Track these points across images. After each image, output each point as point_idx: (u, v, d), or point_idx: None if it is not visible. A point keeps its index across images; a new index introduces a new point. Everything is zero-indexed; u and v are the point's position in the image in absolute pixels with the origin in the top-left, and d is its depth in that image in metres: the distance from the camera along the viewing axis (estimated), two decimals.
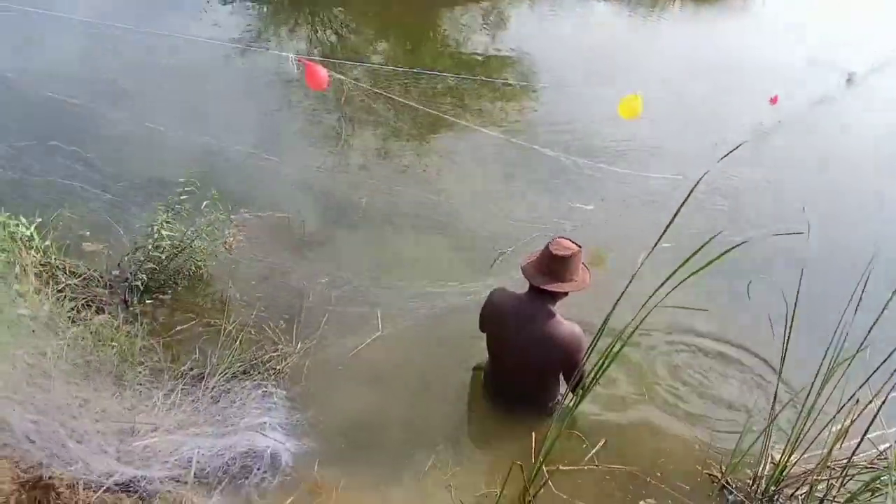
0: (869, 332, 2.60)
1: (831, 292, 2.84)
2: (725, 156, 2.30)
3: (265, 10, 7.98)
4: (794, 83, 6.65)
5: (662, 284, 2.22)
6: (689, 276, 2.19)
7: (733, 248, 2.26)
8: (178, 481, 2.70)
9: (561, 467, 2.90)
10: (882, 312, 2.56)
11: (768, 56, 7.50)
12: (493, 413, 3.28)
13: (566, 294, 3.06)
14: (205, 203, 3.74)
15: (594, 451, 2.98)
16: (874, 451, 2.87)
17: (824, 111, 6.51)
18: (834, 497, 2.83)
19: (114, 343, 3.18)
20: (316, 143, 5.45)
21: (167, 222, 3.60)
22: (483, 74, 6.69)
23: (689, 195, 2.21)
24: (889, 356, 2.58)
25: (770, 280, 2.71)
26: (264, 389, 3.17)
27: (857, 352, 2.64)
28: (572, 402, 2.77)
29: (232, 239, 3.92)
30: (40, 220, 3.57)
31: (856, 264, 2.74)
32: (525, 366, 3.10)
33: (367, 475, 2.94)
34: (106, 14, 6.85)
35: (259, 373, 3.29)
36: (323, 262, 4.13)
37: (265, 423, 3.01)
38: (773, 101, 5.60)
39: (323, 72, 4.19)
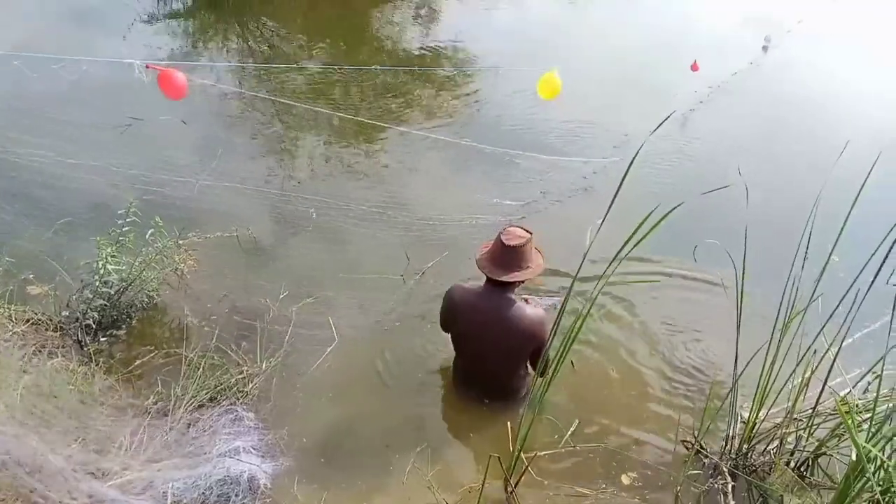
0: (817, 282, 2.68)
1: (779, 249, 2.92)
2: (657, 128, 2.35)
3: (191, 26, 7.79)
4: (729, 48, 6.81)
5: (613, 260, 2.26)
6: (634, 247, 2.25)
7: (670, 212, 2.31)
8: None
9: (539, 453, 2.94)
10: (826, 263, 2.64)
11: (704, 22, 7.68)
12: (466, 408, 3.29)
13: (523, 281, 3.08)
14: (149, 231, 3.64)
15: (569, 433, 3.02)
16: (836, 398, 2.97)
17: (755, 74, 6.69)
18: (804, 447, 2.92)
19: (71, 387, 3.07)
20: (255, 158, 5.34)
21: (112, 256, 3.49)
22: (421, 75, 6.67)
23: (626, 173, 2.25)
24: (838, 305, 2.67)
25: (717, 245, 2.75)
26: (234, 414, 3.11)
27: (809, 303, 2.72)
28: (542, 387, 2.78)
29: (183, 265, 3.84)
30: None
31: (798, 218, 2.80)
32: (494, 356, 3.12)
33: (347, 487, 2.91)
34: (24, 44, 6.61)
35: (226, 397, 3.22)
36: (279, 276, 4.06)
37: (238, 447, 2.95)
38: (694, 67, 5.49)
39: (180, 78, 3.83)
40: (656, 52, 6.93)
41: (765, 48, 6.28)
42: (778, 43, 7.21)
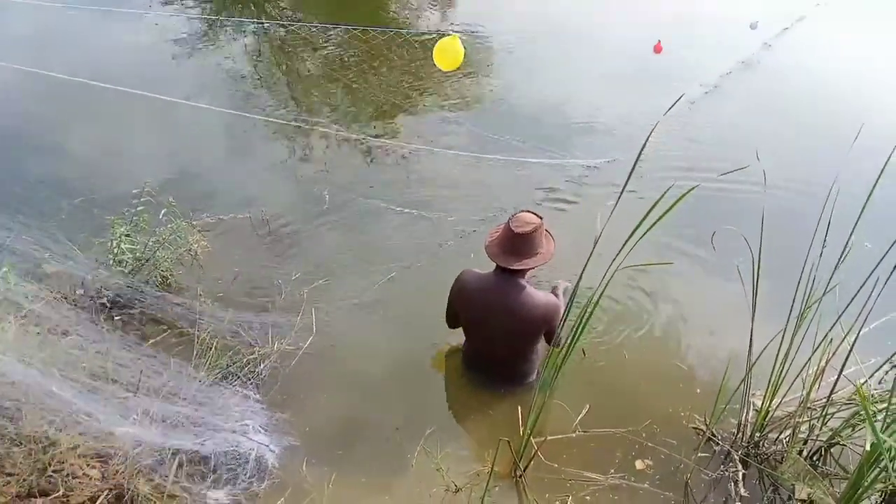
0: (834, 270, 2.62)
1: (797, 236, 2.86)
2: (670, 108, 2.30)
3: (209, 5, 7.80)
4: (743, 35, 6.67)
5: (625, 245, 2.23)
6: (648, 230, 2.21)
7: (687, 192, 2.26)
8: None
9: (549, 437, 2.92)
10: (844, 251, 2.58)
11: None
12: (476, 391, 3.28)
13: (533, 268, 3.05)
14: (163, 212, 3.65)
15: (579, 417, 3.01)
16: (851, 387, 2.92)
17: (771, 57, 6.58)
18: (817, 436, 2.89)
19: (84, 364, 3.10)
20: (270, 139, 5.34)
21: (126, 235, 3.52)
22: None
23: (638, 157, 2.22)
24: (857, 293, 2.61)
25: (734, 230, 2.70)
26: (243, 394, 3.13)
27: (826, 292, 2.67)
28: (552, 371, 2.76)
29: (196, 245, 3.86)
30: None
31: (817, 204, 2.74)
32: (503, 342, 3.11)
33: (356, 468, 2.92)
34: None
35: (237, 377, 3.24)
36: (292, 258, 4.08)
37: (248, 426, 2.97)
38: (657, 49, 5.04)
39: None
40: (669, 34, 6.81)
41: (752, 26, 6.05)
42: (794, 27, 7.07)
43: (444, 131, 5.43)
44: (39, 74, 5.70)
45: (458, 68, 4.06)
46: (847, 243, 2.59)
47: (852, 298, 2.64)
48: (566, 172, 4.88)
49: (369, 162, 5.08)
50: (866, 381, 2.82)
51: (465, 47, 3.87)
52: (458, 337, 3.39)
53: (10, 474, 2.47)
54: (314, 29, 7.05)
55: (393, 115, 5.68)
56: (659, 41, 5.04)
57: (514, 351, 3.18)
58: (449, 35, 3.90)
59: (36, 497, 2.42)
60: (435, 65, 4.01)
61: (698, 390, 3.27)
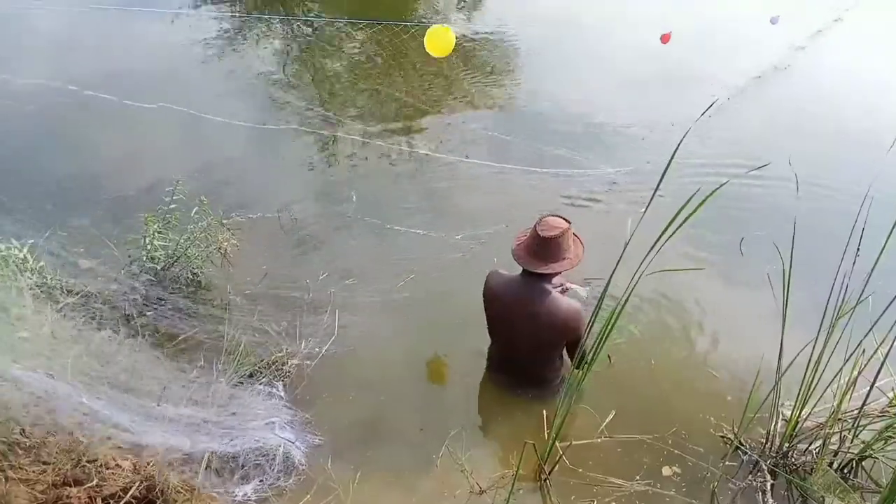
0: (868, 279, 2.58)
1: (830, 243, 2.82)
2: (702, 115, 2.29)
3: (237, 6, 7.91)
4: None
5: (652, 247, 2.22)
6: (677, 229, 2.20)
7: (716, 189, 2.24)
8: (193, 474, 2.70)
9: (574, 442, 2.92)
10: (877, 260, 2.54)
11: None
12: (501, 394, 3.28)
13: (560, 272, 3.04)
14: (194, 210, 3.71)
15: (605, 423, 3.00)
16: (884, 399, 2.88)
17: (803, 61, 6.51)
18: (848, 448, 2.84)
19: (119, 359, 3.17)
20: (298, 141, 5.40)
21: (158, 232, 3.58)
22: (462, 57, 6.63)
23: (669, 163, 2.21)
24: (891, 303, 2.57)
25: (764, 235, 2.67)
26: (271, 391, 3.17)
27: (858, 302, 2.62)
28: (579, 377, 2.76)
29: (226, 243, 3.91)
30: (32, 241, 3.55)
31: (850, 211, 2.69)
32: (528, 346, 3.11)
33: (381, 467, 2.94)
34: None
35: (265, 375, 3.29)
36: (320, 258, 4.12)
37: (275, 422, 3.01)
38: (664, 39, 4.85)
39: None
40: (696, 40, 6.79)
41: (773, 21, 5.98)
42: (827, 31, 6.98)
43: (469, 135, 5.44)
44: (68, 73, 5.85)
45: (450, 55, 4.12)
46: (882, 251, 2.54)
47: (886, 308, 2.60)
48: (590, 178, 4.87)
49: (396, 165, 5.11)
50: None
51: (488, 49, 3.89)
52: (483, 340, 3.39)
53: (45, 463, 2.53)
54: (341, 25, 7.13)
55: (419, 118, 5.70)
56: (669, 32, 4.88)
57: (538, 355, 3.17)
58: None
59: (70, 486, 2.47)
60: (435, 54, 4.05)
61: (728, 398, 3.24)
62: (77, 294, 3.56)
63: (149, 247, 3.58)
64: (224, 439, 2.81)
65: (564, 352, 3.20)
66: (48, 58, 6.36)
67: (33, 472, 2.55)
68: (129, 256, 3.71)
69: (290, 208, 4.44)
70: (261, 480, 2.80)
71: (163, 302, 3.71)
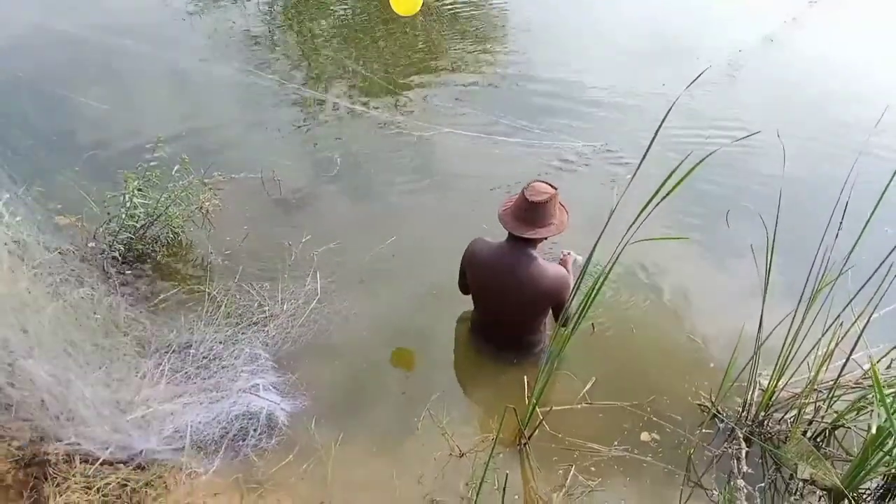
0: (850, 254, 2.61)
1: (814, 217, 2.84)
2: (690, 84, 2.27)
3: None
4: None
5: (639, 215, 2.21)
6: (663, 199, 2.19)
7: (703, 159, 2.20)
8: (175, 449, 2.70)
9: (554, 407, 2.95)
10: (860, 236, 2.56)
11: None
12: (482, 359, 3.30)
13: (546, 237, 3.04)
14: (175, 168, 3.64)
15: (585, 389, 3.03)
16: (859, 371, 2.93)
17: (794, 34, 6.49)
18: (822, 418, 2.90)
19: (97, 315, 3.12)
20: (283, 102, 5.30)
21: (139, 190, 3.51)
22: (450, 25, 6.51)
23: (657, 131, 2.18)
24: (870, 278, 2.60)
25: (749, 208, 2.68)
26: (253, 352, 3.15)
27: (839, 275, 2.65)
28: (560, 342, 2.77)
29: (208, 203, 3.86)
30: (8, 195, 3.46)
31: (835, 184, 2.70)
32: (511, 312, 3.11)
33: (363, 430, 2.95)
34: None
35: (247, 336, 3.26)
36: (303, 219, 4.08)
37: (258, 384, 3.00)
38: None
39: None
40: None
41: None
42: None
43: (457, 104, 5.37)
44: (52, 27, 5.66)
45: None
46: (864, 226, 2.56)
47: (865, 282, 2.63)
48: (577, 146, 4.85)
49: (381, 130, 5.04)
50: (874, 364, 2.82)
51: (478, 17, 3.82)
52: (466, 304, 3.39)
53: (25, 420, 2.50)
54: None
55: (406, 86, 5.62)
56: None
57: (522, 321, 3.19)
58: None
59: (52, 441, 2.46)
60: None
61: (709, 366, 3.27)
62: (55, 251, 3.49)
63: (128, 204, 3.51)
64: (208, 399, 2.79)
65: (549, 317, 3.21)
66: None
67: (9, 428, 2.53)
68: (108, 214, 3.63)
69: (272, 169, 4.37)
70: (243, 440, 2.80)
71: (143, 260, 3.66)
